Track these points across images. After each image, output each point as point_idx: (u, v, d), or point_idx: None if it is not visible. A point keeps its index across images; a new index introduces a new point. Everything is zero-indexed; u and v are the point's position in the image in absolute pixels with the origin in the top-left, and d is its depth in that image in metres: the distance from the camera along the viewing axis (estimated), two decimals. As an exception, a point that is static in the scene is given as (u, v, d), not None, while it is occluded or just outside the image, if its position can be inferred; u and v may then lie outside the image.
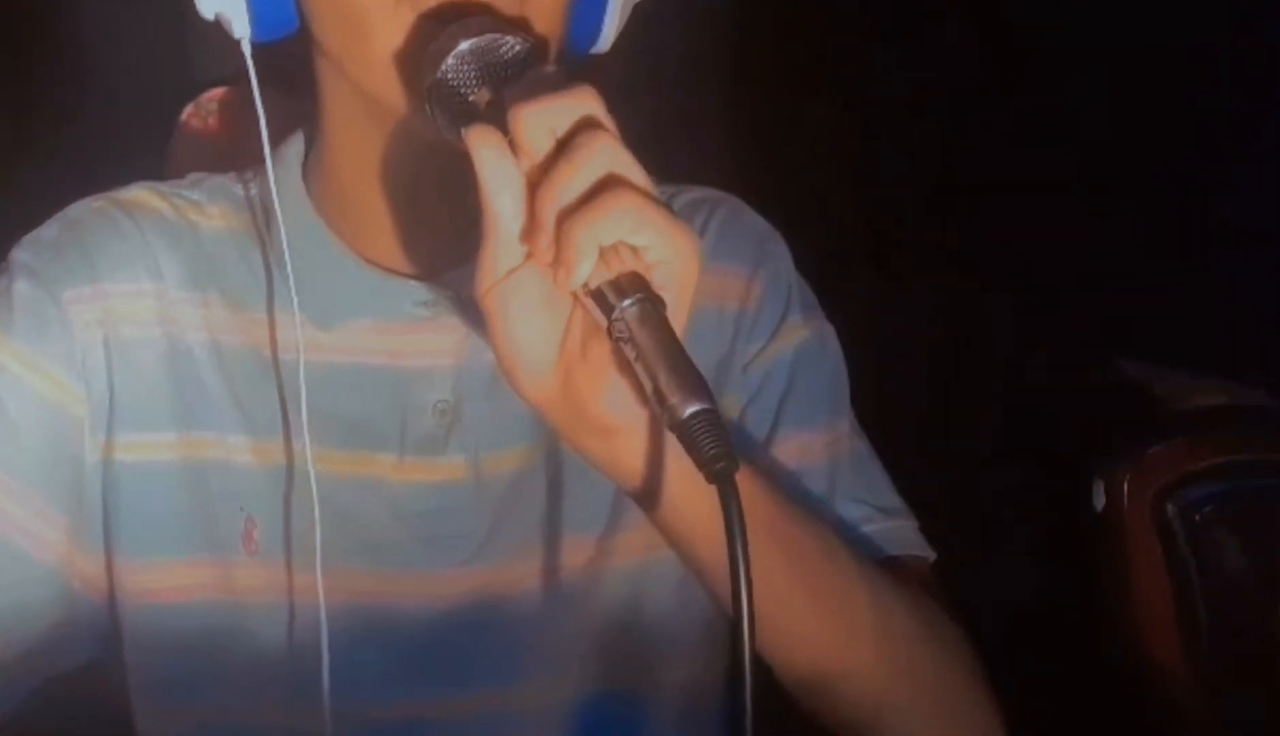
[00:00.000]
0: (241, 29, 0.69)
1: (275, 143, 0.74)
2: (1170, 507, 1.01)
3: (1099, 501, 1.03)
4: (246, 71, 0.70)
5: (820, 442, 0.82)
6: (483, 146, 0.60)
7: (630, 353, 0.59)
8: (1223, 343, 1.23)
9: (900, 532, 0.83)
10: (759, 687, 0.79)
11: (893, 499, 0.84)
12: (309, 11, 0.70)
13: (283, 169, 0.77)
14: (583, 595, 0.78)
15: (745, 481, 0.67)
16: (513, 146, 0.60)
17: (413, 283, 0.77)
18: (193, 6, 0.69)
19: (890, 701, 0.75)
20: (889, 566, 0.81)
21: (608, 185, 0.59)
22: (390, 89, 0.68)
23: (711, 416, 0.58)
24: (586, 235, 0.58)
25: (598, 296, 0.60)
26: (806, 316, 0.84)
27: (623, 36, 0.75)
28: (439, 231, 0.76)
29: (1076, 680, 1.09)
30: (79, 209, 0.78)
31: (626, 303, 0.59)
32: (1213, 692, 0.99)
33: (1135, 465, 1.02)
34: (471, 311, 0.76)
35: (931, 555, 0.84)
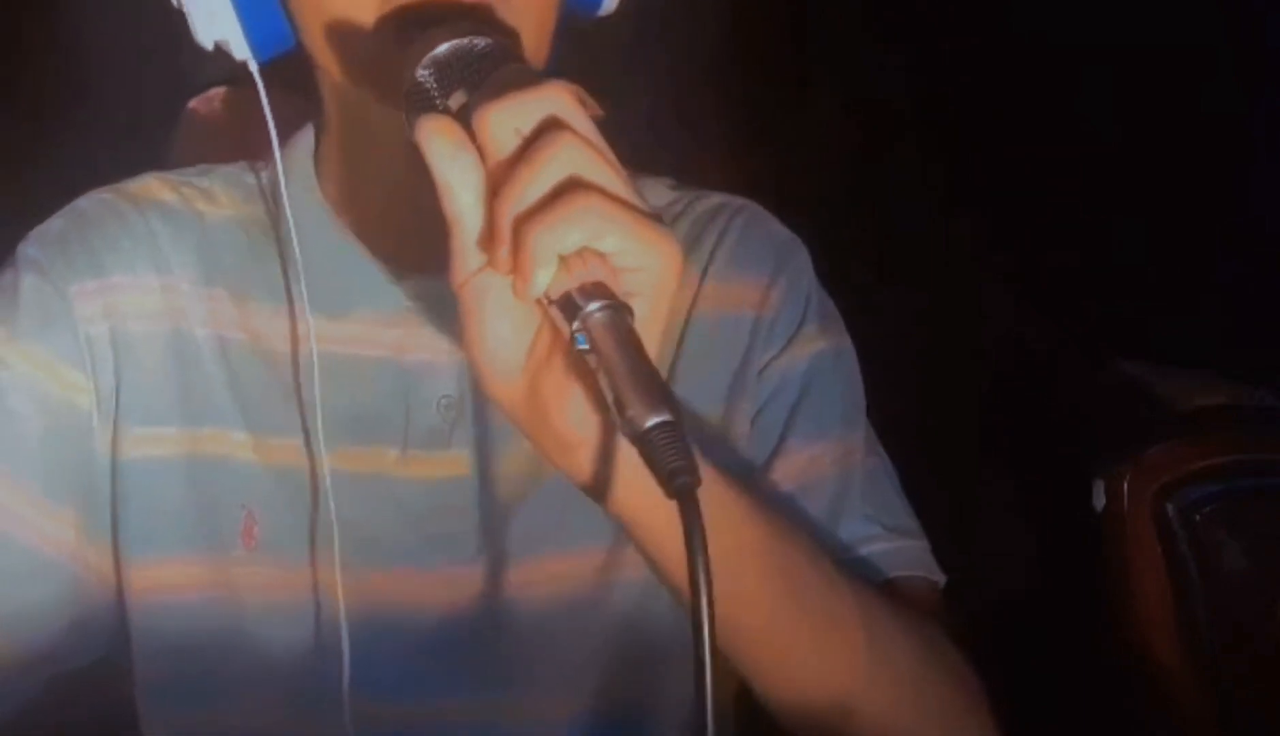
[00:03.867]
0: (241, 52, 0.69)
1: (284, 138, 0.74)
2: (1170, 507, 1.01)
3: (1099, 501, 1.03)
4: (248, 71, 0.70)
5: (830, 455, 0.80)
6: (434, 140, 0.57)
7: (592, 361, 0.56)
8: (1223, 343, 1.23)
9: (907, 553, 0.80)
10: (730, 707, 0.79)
11: (905, 519, 0.82)
12: (298, 25, 0.69)
13: (293, 161, 0.77)
14: (589, 604, 0.77)
15: (735, 501, 0.66)
16: (480, 149, 0.58)
17: (419, 276, 0.76)
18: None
19: (891, 732, 0.74)
20: (890, 589, 0.78)
21: (569, 188, 0.56)
22: (375, 99, 0.67)
23: (672, 429, 0.54)
24: (544, 240, 0.55)
25: (562, 303, 0.56)
26: (823, 327, 0.82)
27: (624, 30, 0.74)
28: (443, 227, 0.75)
29: (1076, 679, 1.09)
30: (86, 201, 0.78)
31: (589, 309, 0.56)
32: (1212, 692, 0.99)
33: (1135, 465, 1.02)
34: None
35: (941, 578, 0.81)
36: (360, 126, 0.73)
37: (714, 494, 0.64)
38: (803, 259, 0.84)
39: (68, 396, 0.73)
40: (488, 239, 0.57)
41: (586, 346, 0.56)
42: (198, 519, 0.75)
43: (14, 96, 1.36)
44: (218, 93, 1.04)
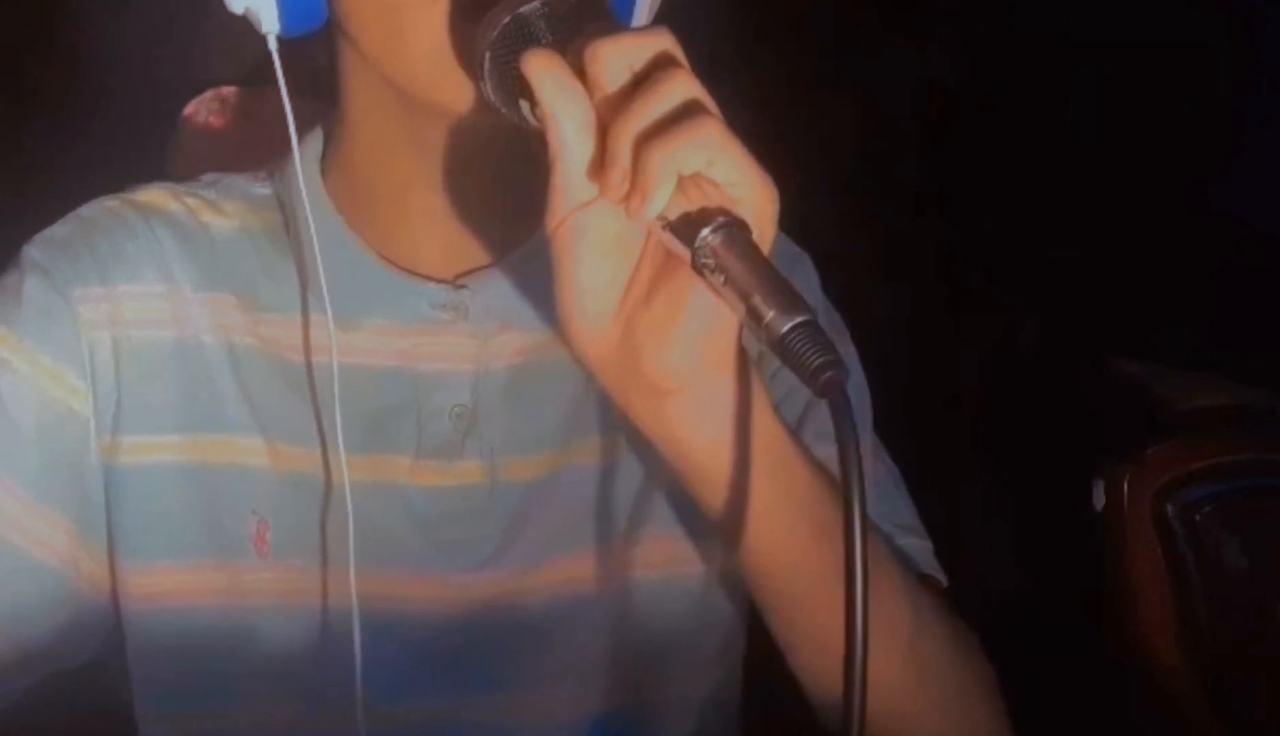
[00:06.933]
0: (270, 24, 0.68)
1: (288, 141, 0.74)
2: (1170, 507, 1.01)
3: (1099, 501, 1.03)
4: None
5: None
6: (544, 71, 0.58)
7: (718, 279, 0.56)
8: (1222, 344, 1.23)
9: (916, 554, 0.82)
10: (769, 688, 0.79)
11: (913, 521, 0.83)
12: (341, 8, 0.69)
13: (303, 166, 0.76)
14: (599, 607, 0.78)
15: (794, 466, 0.67)
16: (586, 83, 0.58)
17: (432, 284, 0.76)
18: (213, 2, 0.68)
19: (916, 718, 0.74)
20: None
21: (689, 113, 0.57)
22: (429, 82, 0.67)
23: (811, 327, 0.55)
24: (665, 161, 0.56)
25: (677, 226, 0.57)
26: (831, 337, 0.83)
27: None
28: (462, 233, 0.75)
29: (1076, 679, 1.09)
30: (93, 208, 0.78)
31: (711, 228, 0.56)
32: (1213, 692, 0.99)
33: (1135, 465, 1.02)
34: (491, 316, 0.76)
35: (945, 580, 0.83)
36: (392, 123, 0.73)
37: (774, 449, 0.66)
38: (809, 270, 0.85)
39: (66, 400, 0.73)
40: (598, 167, 0.58)
41: (711, 264, 0.56)
42: (203, 526, 0.75)
43: (18, 100, 1.36)
44: (218, 93, 1.04)
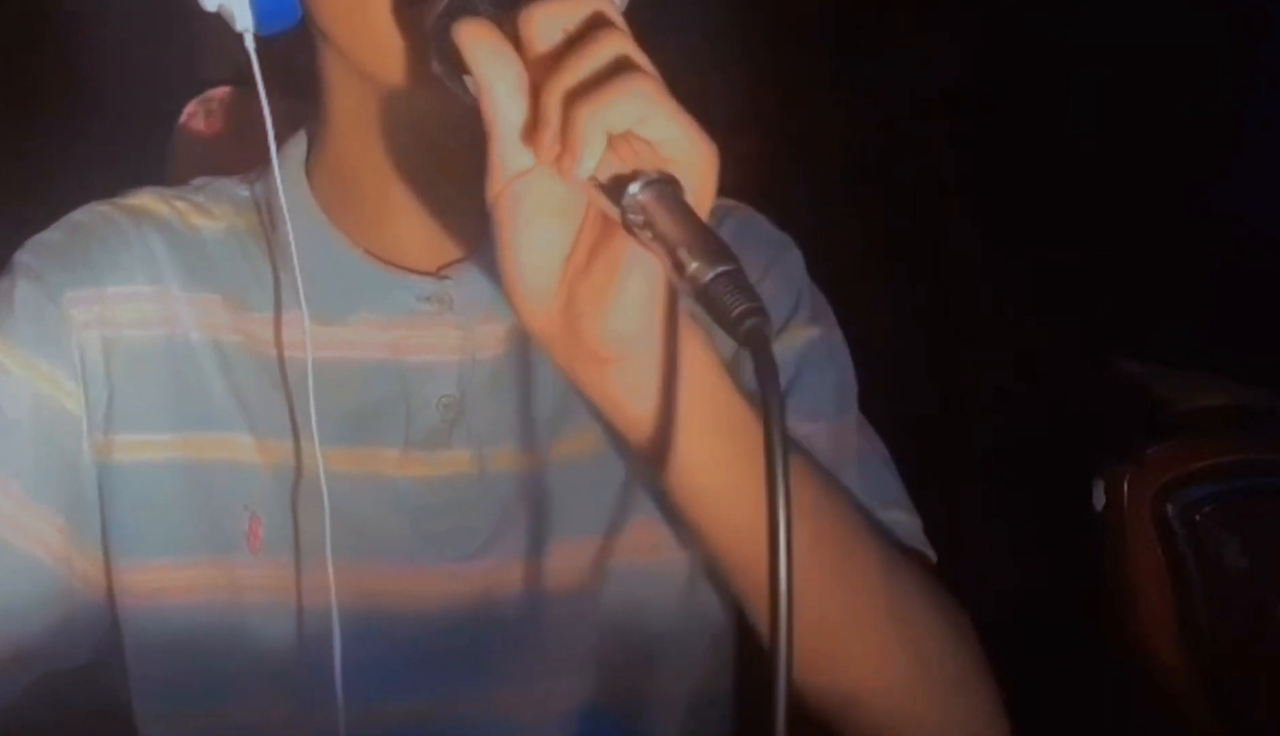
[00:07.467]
0: (244, 21, 0.69)
1: (277, 142, 0.74)
2: (1170, 507, 1.01)
3: (1099, 501, 1.03)
4: (247, 71, 0.70)
5: (823, 438, 0.80)
6: (475, 39, 0.58)
7: (646, 236, 0.56)
8: (1223, 342, 1.23)
9: (902, 528, 0.81)
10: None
11: (899, 495, 0.83)
12: (312, 2, 0.70)
13: (287, 166, 0.78)
14: (588, 597, 0.78)
15: (750, 432, 0.65)
16: (521, 50, 0.58)
17: (416, 277, 0.77)
18: (194, 2, 0.69)
19: (917, 715, 0.74)
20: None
21: (621, 69, 0.56)
22: (394, 66, 0.67)
23: (735, 276, 0.54)
24: (594, 118, 0.55)
25: (609, 184, 0.56)
26: (814, 319, 0.83)
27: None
28: (443, 225, 0.76)
29: (1076, 679, 1.09)
30: (84, 213, 0.78)
31: (641, 182, 0.56)
32: (1213, 692, 0.99)
33: (1135, 465, 1.02)
34: (476, 306, 0.77)
35: (933, 555, 0.82)
36: (368, 116, 0.73)
37: (725, 417, 0.66)
38: (794, 256, 0.85)
39: (59, 400, 0.74)
40: (531, 129, 0.58)
41: (639, 220, 0.56)
42: (197, 523, 0.75)
43: (18, 100, 1.36)
44: (211, 96, 1.04)
